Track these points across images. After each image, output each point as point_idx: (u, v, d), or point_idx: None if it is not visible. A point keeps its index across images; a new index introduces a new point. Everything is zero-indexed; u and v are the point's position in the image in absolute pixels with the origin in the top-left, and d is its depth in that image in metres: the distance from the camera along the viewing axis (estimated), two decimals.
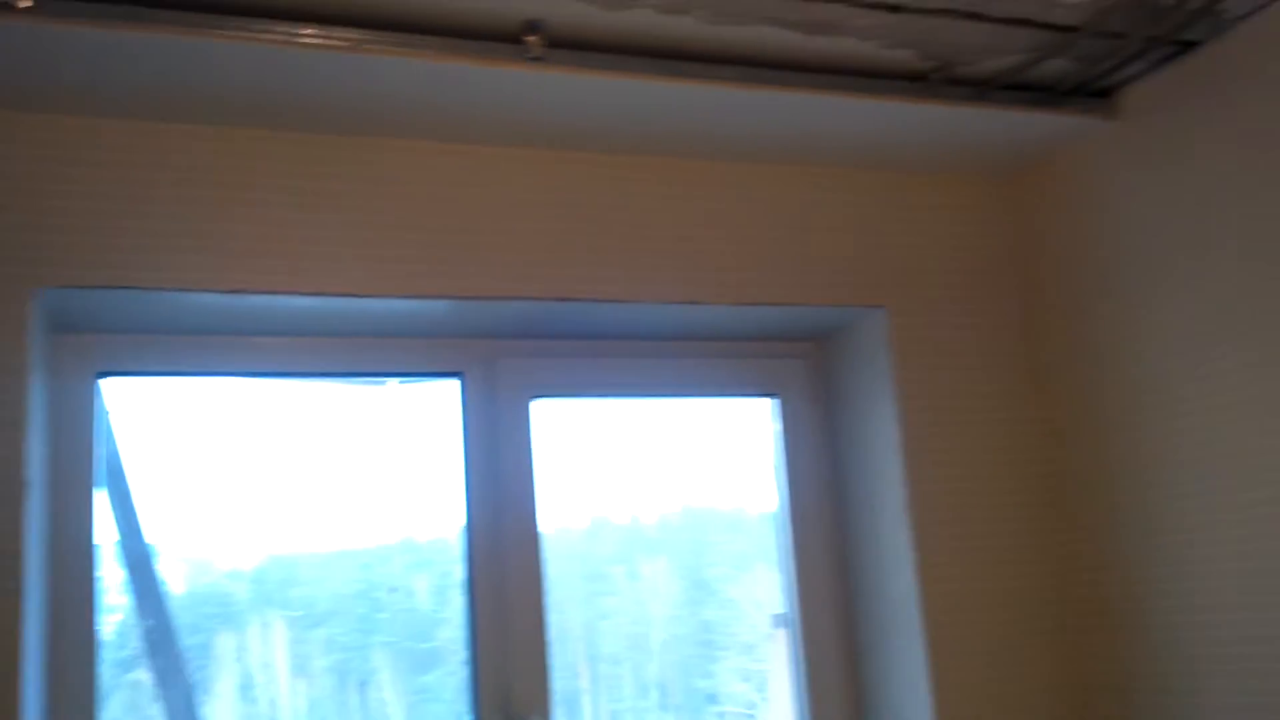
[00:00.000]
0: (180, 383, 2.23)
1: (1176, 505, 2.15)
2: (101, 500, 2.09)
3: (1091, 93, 2.28)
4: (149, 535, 2.22)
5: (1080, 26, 2.01)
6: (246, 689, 2.26)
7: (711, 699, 2.54)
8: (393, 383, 2.40)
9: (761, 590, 2.57)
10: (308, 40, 1.79)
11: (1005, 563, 2.40)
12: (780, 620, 2.51)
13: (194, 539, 2.25)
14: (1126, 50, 2.10)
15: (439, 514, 2.35)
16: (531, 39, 1.88)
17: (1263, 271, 1.99)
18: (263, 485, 2.28)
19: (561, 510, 2.39)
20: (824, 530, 2.53)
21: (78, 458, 2.05)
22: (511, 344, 2.37)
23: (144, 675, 2.19)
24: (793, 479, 2.54)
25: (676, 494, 2.57)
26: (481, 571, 2.26)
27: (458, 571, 2.30)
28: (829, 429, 2.58)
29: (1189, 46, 2.12)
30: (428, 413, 2.37)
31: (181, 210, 1.98)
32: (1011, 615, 2.38)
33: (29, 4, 1.63)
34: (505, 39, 1.89)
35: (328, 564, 2.34)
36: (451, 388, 2.34)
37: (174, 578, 2.23)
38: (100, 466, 2.10)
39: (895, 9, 1.92)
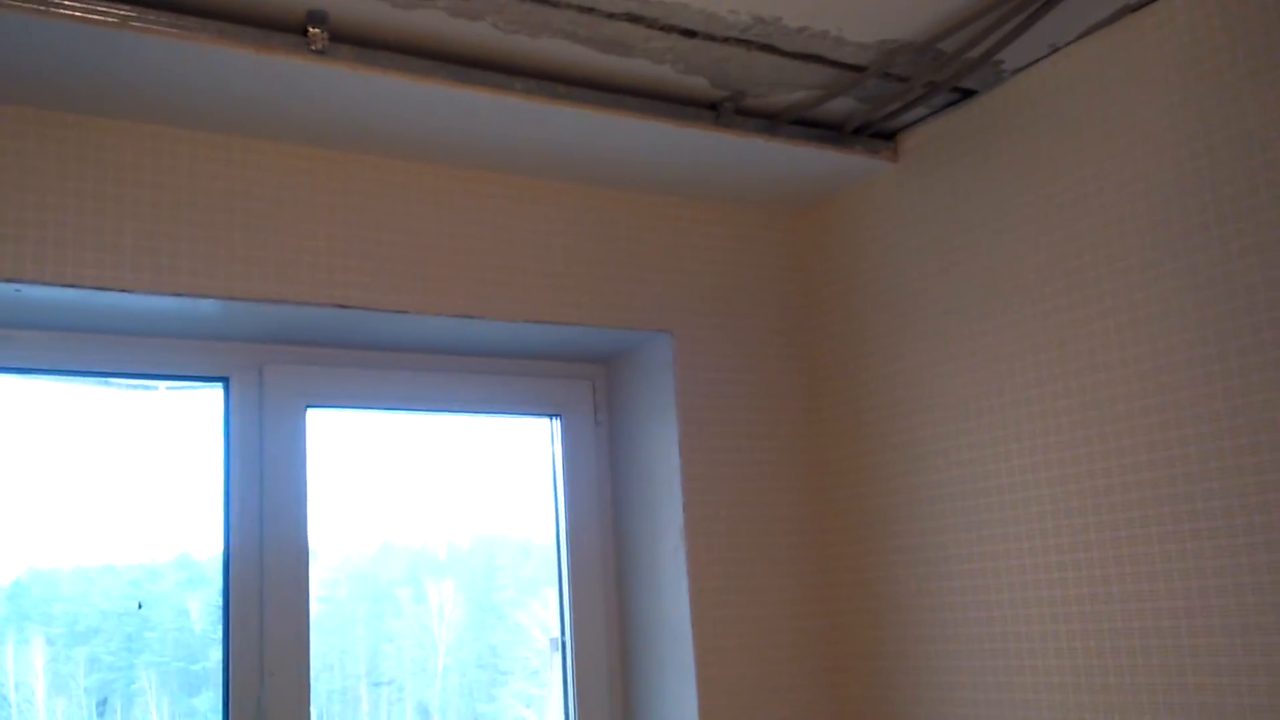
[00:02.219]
0: None
1: (944, 540, 2.22)
2: None
3: (876, 134, 2.36)
4: None
5: (867, 67, 2.07)
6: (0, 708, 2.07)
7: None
8: (162, 387, 2.25)
9: (548, 615, 2.53)
10: (67, 12, 1.65)
11: (777, 591, 2.43)
12: (556, 644, 2.48)
13: None
14: (910, 94, 2.18)
15: (212, 530, 2.21)
16: (315, 31, 1.80)
17: (1018, 315, 2.08)
18: (21, 493, 2.09)
19: (347, 531, 2.29)
20: (602, 553, 2.51)
21: None
22: (283, 350, 2.26)
23: None
24: (572, 501, 2.51)
25: (466, 518, 2.50)
26: (240, 589, 2.14)
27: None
28: (611, 452, 2.57)
29: (968, 95, 2.21)
30: (199, 420, 2.23)
31: None
32: (781, 644, 2.41)
33: None
34: (288, 29, 1.80)
35: (92, 579, 2.17)
36: (217, 394, 2.21)
37: None
38: None
39: (690, 34, 1.93)
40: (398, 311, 2.15)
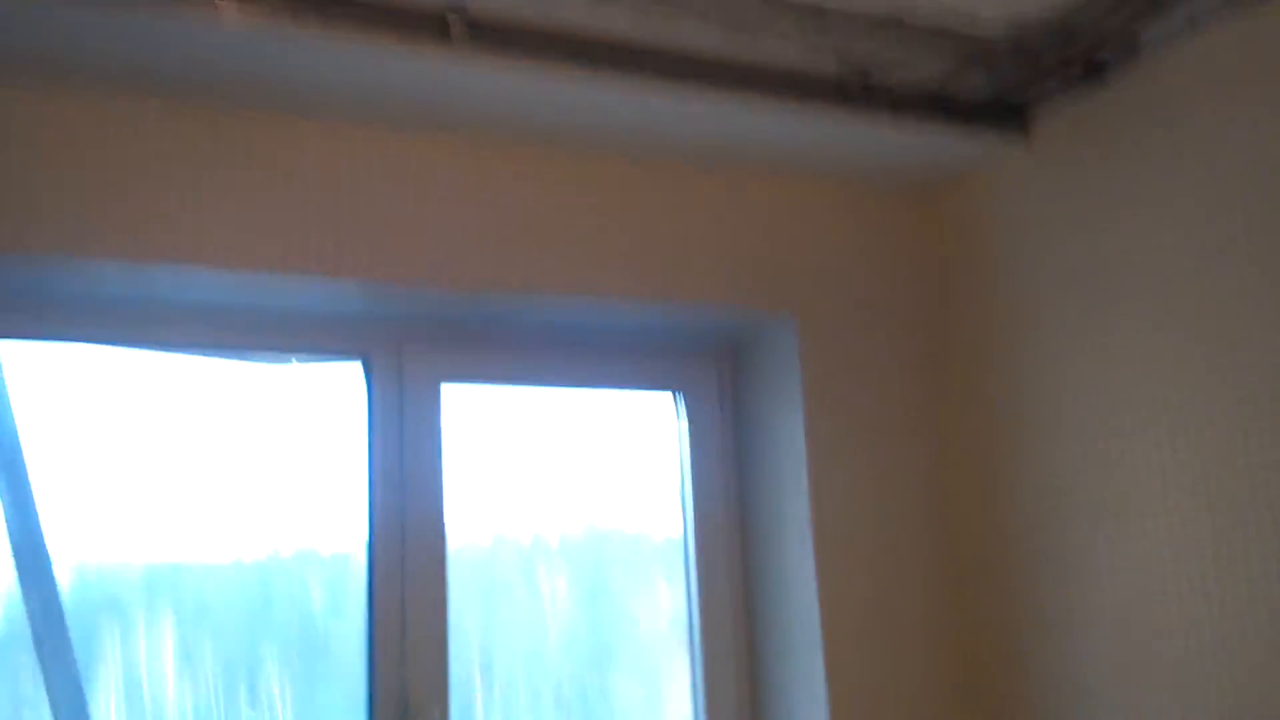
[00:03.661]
0: (79, 352, 2.15)
1: (1079, 538, 2.18)
2: None
3: (1007, 115, 2.31)
4: (41, 513, 2.14)
5: (998, 42, 2.05)
6: (132, 685, 2.19)
7: (608, 711, 2.52)
8: (294, 362, 2.34)
9: (662, 604, 2.56)
10: (227, 15, 1.74)
11: (905, 580, 2.41)
12: (680, 633, 2.50)
13: (86, 522, 2.17)
14: (1042, 74, 2.14)
15: (340, 512, 2.29)
16: (454, 22, 1.86)
17: (1160, 306, 2.03)
18: (159, 469, 2.21)
19: (465, 518, 2.35)
20: (727, 541, 2.52)
21: None
22: (421, 330, 2.33)
23: (28, 661, 2.11)
24: (697, 485, 2.53)
25: (580, 507, 2.54)
26: (384, 563, 2.22)
27: (356, 578, 2.25)
28: (736, 435, 2.58)
29: (1104, 75, 2.15)
30: (335, 398, 2.32)
31: (85, 179, 1.92)
32: (912, 637, 2.39)
33: None
34: (429, 22, 1.87)
35: (222, 563, 2.28)
36: (355, 370, 2.30)
37: (63, 564, 2.15)
38: None
39: (819, 12, 1.93)
40: (530, 292, 2.21)
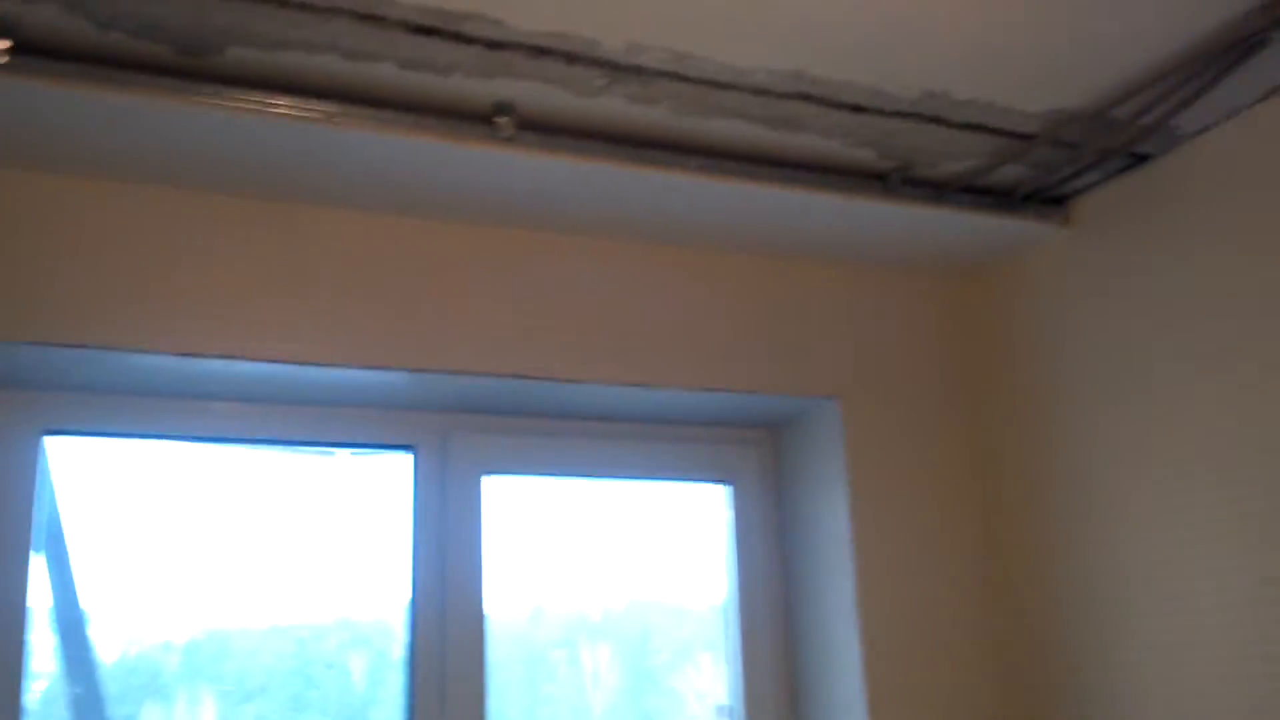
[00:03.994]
0: (125, 445, 2.20)
1: (1124, 616, 2.16)
2: (38, 563, 2.04)
3: (1047, 200, 2.35)
4: (84, 601, 2.16)
5: (1037, 135, 2.08)
6: None
7: None
8: (343, 454, 2.38)
9: (705, 681, 2.55)
10: (280, 110, 1.80)
11: (952, 661, 2.39)
12: (724, 711, 2.49)
13: (128, 607, 2.20)
14: (1081, 160, 2.17)
15: (380, 591, 2.31)
16: (502, 120, 1.91)
17: (1201, 389, 2.03)
18: (202, 554, 2.23)
19: (505, 593, 2.36)
20: (772, 621, 2.52)
21: (17, 518, 2.01)
22: (466, 419, 2.36)
23: None
24: (743, 568, 2.53)
25: (623, 582, 2.55)
26: (423, 650, 2.22)
27: (395, 650, 2.26)
28: (780, 519, 2.59)
29: (1142, 160, 2.19)
30: (376, 486, 2.35)
31: (137, 271, 1.97)
32: (957, 717, 2.37)
33: (3, 59, 1.64)
34: (477, 119, 1.92)
35: (262, 639, 2.29)
36: (403, 461, 2.32)
37: (105, 646, 2.17)
38: (40, 528, 2.05)
39: (858, 109, 1.97)
40: (575, 381, 2.24)
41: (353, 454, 2.38)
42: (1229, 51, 1.79)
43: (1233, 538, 1.97)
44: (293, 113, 1.81)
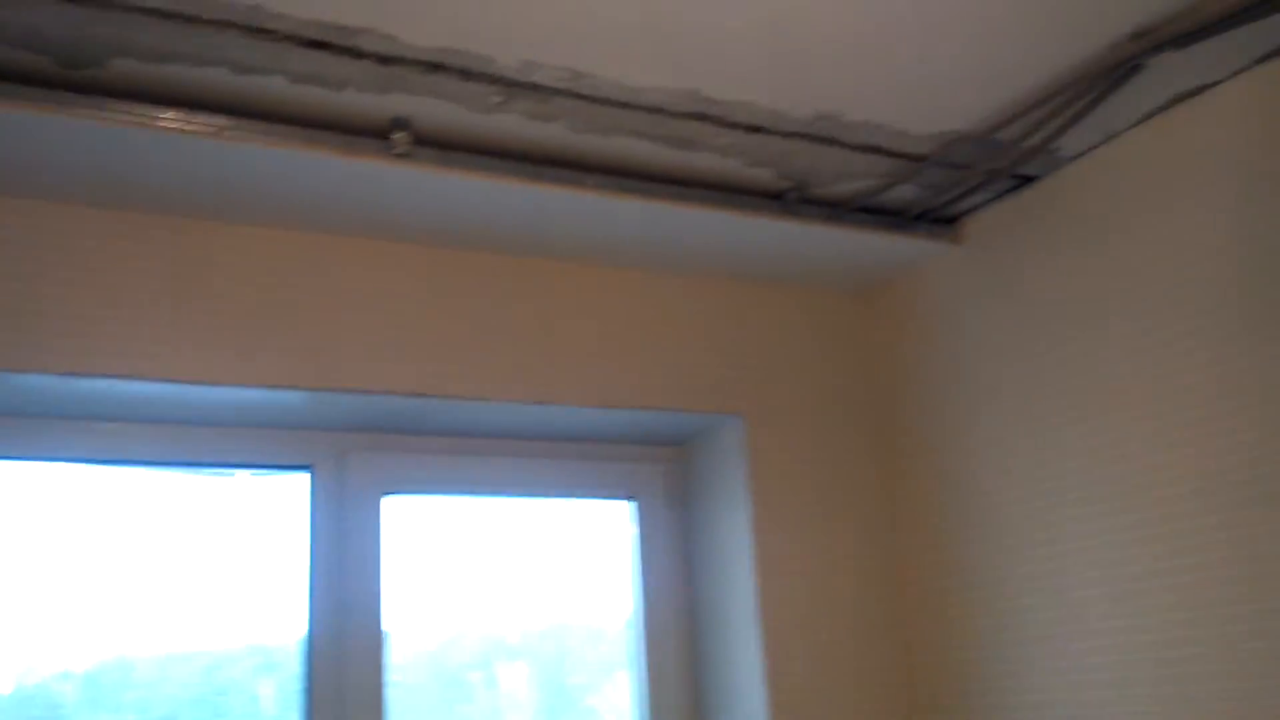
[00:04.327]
0: (12, 468, 2.12)
1: (1018, 621, 2.21)
2: None
3: (939, 219, 2.40)
4: None
5: (927, 156, 2.12)
6: None
7: None
8: (242, 474, 2.33)
9: (623, 699, 2.54)
10: (167, 124, 1.77)
11: (855, 676, 2.42)
12: None
13: (24, 635, 2.12)
14: (970, 181, 2.22)
15: (288, 616, 2.26)
16: (398, 136, 1.89)
17: (1083, 402, 2.10)
18: (102, 580, 2.16)
19: (417, 615, 2.33)
20: (677, 637, 2.52)
21: None
22: (365, 438, 2.33)
23: None
24: (648, 585, 2.53)
25: (539, 602, 2.54)
26: (321, 676, 2.18)
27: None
28: (686, 536, 2.59)
29: (1028, 180, 2.25)
30: (278, 507, 2.30)
31: (15, 287, 1.91)
32: None
33: None
34: (372, 134, 1.90)
35: (166, 666, 2.23)
36: (301, 481, 2.28)
37: (0, 676, 2.09)
38: None
39: (754, 130, 2.00)
40: (476, 400, 2.22)
41: (253, 474, 2.33)
42: (1105, 77, 1.86)
43: (1113, 548, 2.03)
44: (180, 126, 1.77)
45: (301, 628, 2.21)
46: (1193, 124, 1.96)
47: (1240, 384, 1.85)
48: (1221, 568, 1.85)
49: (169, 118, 1.76)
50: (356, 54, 1.70)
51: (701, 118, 1.94)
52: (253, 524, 2.29)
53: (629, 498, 2.58)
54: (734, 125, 1.98)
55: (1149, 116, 2.02)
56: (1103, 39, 1.79)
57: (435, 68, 1.75)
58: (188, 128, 1.78)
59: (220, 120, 1.80)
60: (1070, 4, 1.70)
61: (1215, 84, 1.92)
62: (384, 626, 2.25)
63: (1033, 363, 2.22)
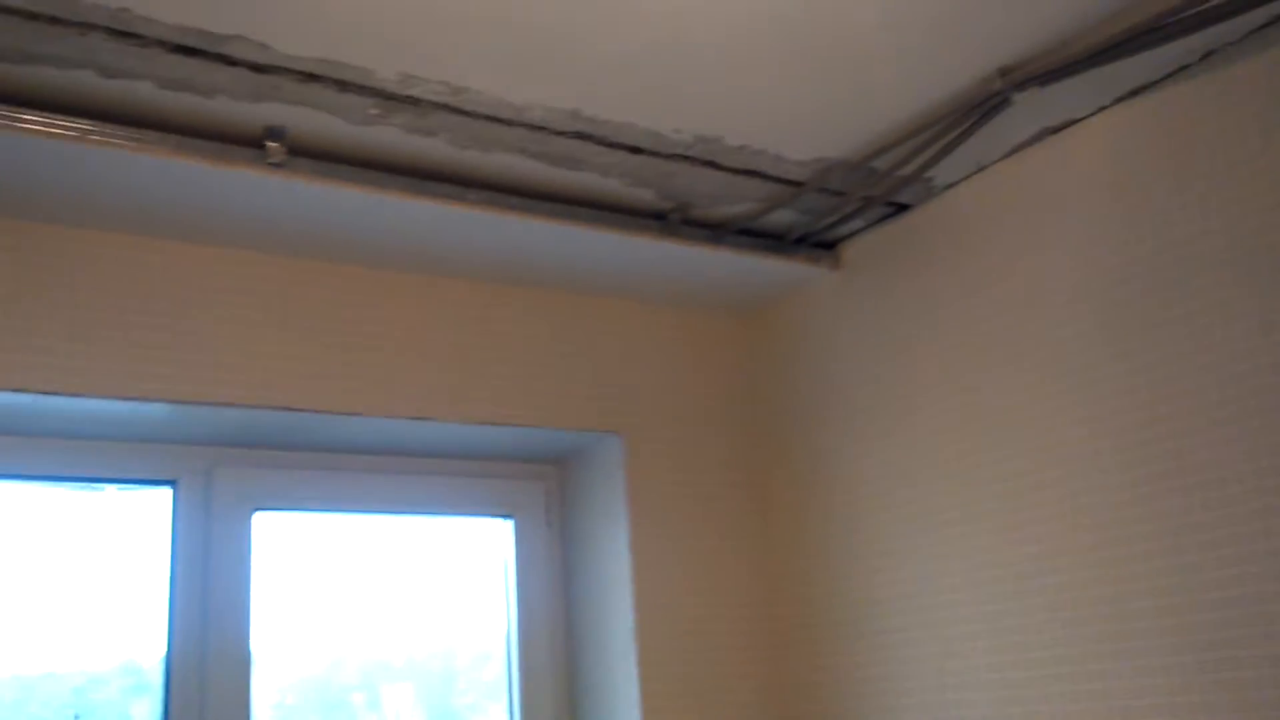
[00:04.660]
0: None
1: (890, 641, 2.25)
2: None
3: (819, 243, 2.45)
4: None
5: (805, 182, 2.16)
6: None
7: None
8: (111, 489, 2.25)
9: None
10: (29, 126, 1.71)
11: (731, 694, 2.43)
12: None
13: None
14: (846, 208, 2.27)
15: (159, 635, 2.19)
16: (273, 145, 1.86)
17: (949, 423, 2.15)
18: None
19: (299, 636, 2.28)
20: (554, 657, 2.51)
21: None
22: (234, 452, 2.28)
23: None
24: (525, 603, 2.52)
25: (421, 621, 2.49)
26: (182, 697, 2.11)
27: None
28: (564, 554, 2.59)
29: (904, 208, 2.31)
30: (146, 523, 2.23)
31: None
32: None
33: None
34: (246, 143, 1.86)
35: (32, 686, 2.13)
36: (165, 497, 2.22)
37: None
38: None
39: (635, 150, 2.01)
40: (348, 414, 2.18)
41: (119, 489, 2.25)
42: (975, 110, 1.91)
43: (983, 568, 2.08)
44: (43, 129, 1.72)
45: (163, 647, 2.14)
46: (1058, 158, 2.03)
47: (1100, 403, 1.91)
48: (1093, 587, 1.91)
49: (31, 119, 1.71)
50: (229, 61, 1.66)
51: (583, 137, 1.95)
52: (121, 540, 2.22)
53: (507, 516, 2.56)
54: (615, 145, 1.99)
55: (1017, 150, 2.09)
56: (971, 74, 1.84)
57: (311, 78, 1.73)
58: (51, 130, 1.72)
59: (84, 124, 1.74)
60: (940, 40, 1.75)
61: (1079, 120, 1.99)
62: (252, 647, 2.19)
63: (904, 385, 2.27)
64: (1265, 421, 1.70)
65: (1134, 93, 1.92)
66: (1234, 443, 1.73)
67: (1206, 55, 1.81)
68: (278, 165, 1.87)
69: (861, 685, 2.29)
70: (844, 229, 2.39)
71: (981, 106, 1.90)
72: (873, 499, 2.32)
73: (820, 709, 2.38)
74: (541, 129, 1.91)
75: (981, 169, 2.15)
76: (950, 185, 2.22)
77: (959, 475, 2.14)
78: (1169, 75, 1.86)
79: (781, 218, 2.32)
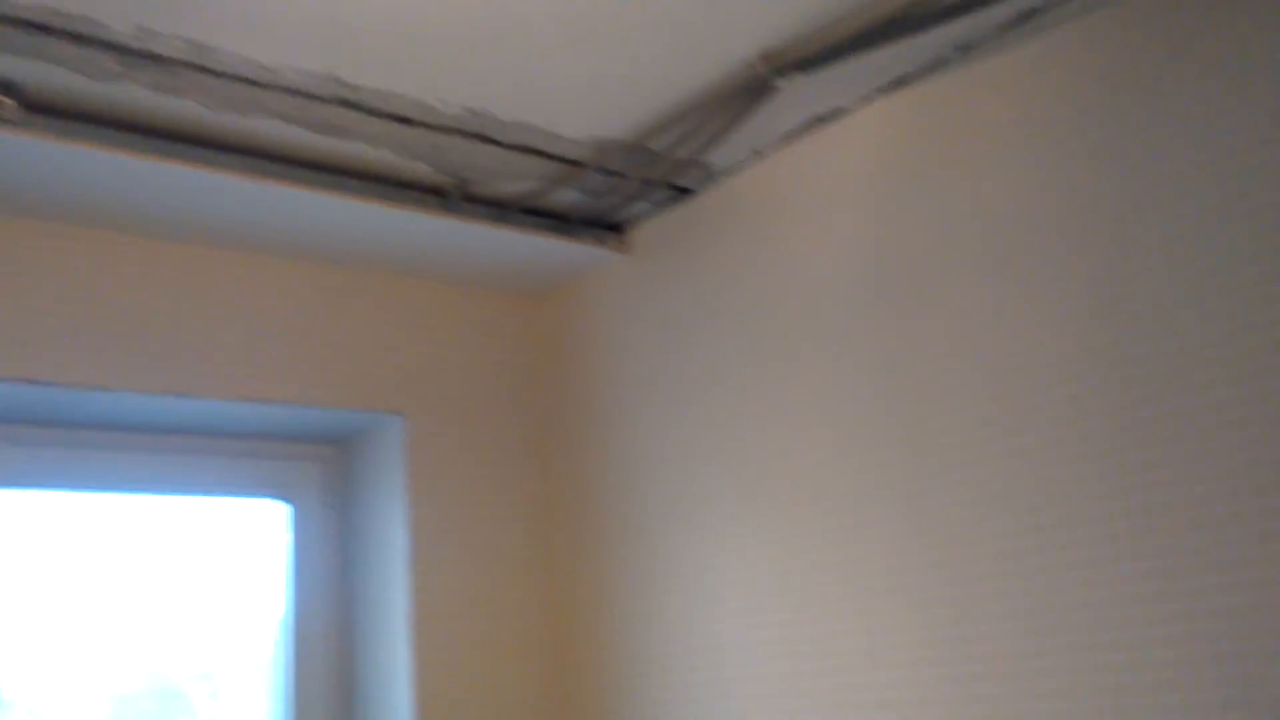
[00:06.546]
0: None
1: (674, 628, 2.25)
2: None
3: (606, 225, 2.43)
4: None
5: (584, 161, 2.14)
6: None
7: None
8: None
9: (269, 708, 2.43)
10: None
11: (507, 685, 2.40)
12: None
13: None
14: (627, 190, 2.26)
15: None
16: (5, 100, 1.75)
17: (732, 405, 2.17)
18: None
19: (37, 629, 2.16)
20: (329, 645, 2.44)
21: None
22: None
23: None
24: (302, 589, 2.44)
25: (190, 608, 2.39)
26: None
27: None
28: (343, 538, 2.52)
29: (689, 192, 2.31)
30: None
31: None
32: None
33: None
34: None
35: None
36: None
37: None
38: None
39: (404, 120, 1.96)
40: (104, 389, 2.07)
41: None
42: (740, 95, 1.92)
43: (753, 564, 2.10)
44: None
45: None
46: (828, 147, 2.06)
47: (879, 380, 1.94)
48: (881, 581, 1.94)
49: None
50: None
51: (345, 104, 1.89)
52: None
53: (284, 498, 2.48)
54: (382, 114, 1.93)
55: (790, 137, 2.11)
56: (733, 58, 1.84)
57: (40, 29, 1.62)
58: None
59: None
60: (701, 21, 1.74)
61: (846, 111, 2.02)
62: None
63: (687, 371, 2.28)
64: (1012, 405, 1.75)
65: (896, 84, 1.95)
66: (992, 424, 1.78)
67: (963, 49, 1.85)
68: (10, 122, 1.76)
69: (643, 681, 2.29)
70: (631, 211, 2.38)
71: (749, 91, 1.91)
72: (651, 488, 2.31)
73: (601, 706, 2.37)
74: (300, 93, 1.84)
75: (757, 155, 2.17)
76: (729, 171, 2.22)
77: (736, 468, 2.15)
78: (929, 69, 1.90)
79: (566, 198, 2.30)
